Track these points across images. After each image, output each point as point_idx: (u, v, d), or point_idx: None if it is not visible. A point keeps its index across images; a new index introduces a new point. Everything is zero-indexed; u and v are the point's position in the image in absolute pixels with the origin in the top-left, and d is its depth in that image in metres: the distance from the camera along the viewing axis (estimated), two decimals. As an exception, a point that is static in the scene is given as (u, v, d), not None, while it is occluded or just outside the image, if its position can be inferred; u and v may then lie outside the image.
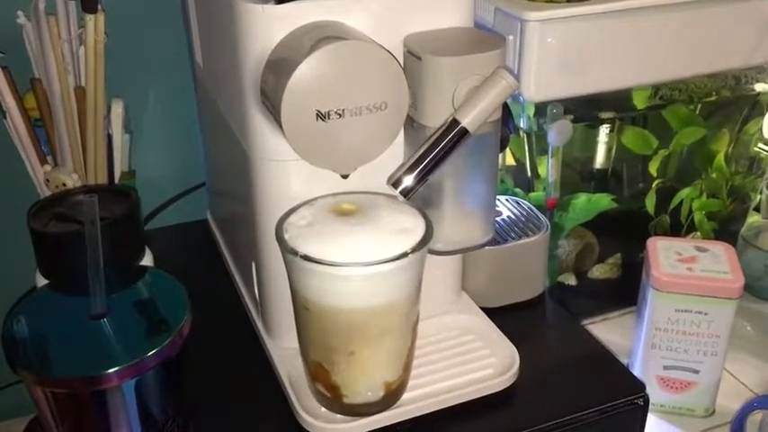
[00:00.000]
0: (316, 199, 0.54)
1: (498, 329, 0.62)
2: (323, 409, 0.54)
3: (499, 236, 0.68)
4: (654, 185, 0.82)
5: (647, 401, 0.58)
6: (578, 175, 0.81)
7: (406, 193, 0.50)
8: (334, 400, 0.53)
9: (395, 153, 0.54)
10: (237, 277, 0.71)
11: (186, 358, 0.50)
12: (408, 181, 0.50)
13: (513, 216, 0.72)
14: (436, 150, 0.50)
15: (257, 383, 0.59)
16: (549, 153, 0.73)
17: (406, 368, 0.54)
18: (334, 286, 0.49)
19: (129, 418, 0.48)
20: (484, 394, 0.56)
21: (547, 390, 0.59)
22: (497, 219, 0.71)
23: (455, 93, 0.51)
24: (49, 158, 0.72)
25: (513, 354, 0.59)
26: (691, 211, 0.85)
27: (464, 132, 0.49)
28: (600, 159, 0.82)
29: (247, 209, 0.58)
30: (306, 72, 0.46)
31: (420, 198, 0.54)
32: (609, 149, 0.81)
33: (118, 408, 0.47)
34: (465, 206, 0.56)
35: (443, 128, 0.50)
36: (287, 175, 0.54)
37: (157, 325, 0.49)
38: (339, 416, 0.54)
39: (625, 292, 0.81)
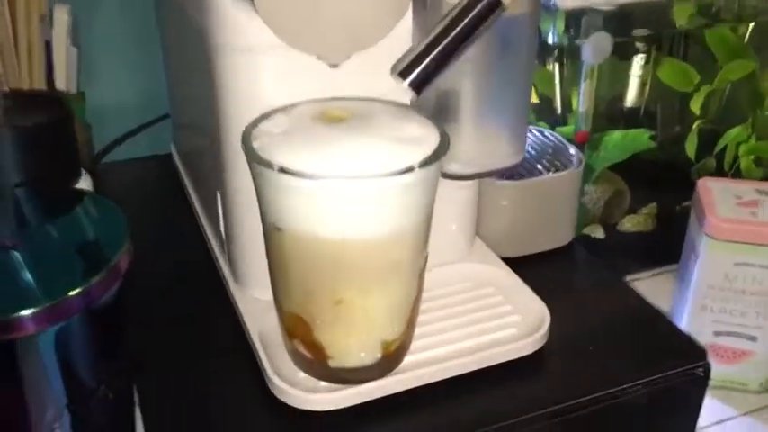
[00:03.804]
0: (295, 105, 0.45)
1: (523, 282, 0.54)
2: (302, 374, 0.47)
3: (523, 169, 0.59)
4: (695, 126, 0.77)
5: (707, 371, 0.50)
6: (606, 116, 0.75)
7: (417, 87, 0.39)
8: (317, 363, 0.46)
9: (401, 38, 0.44)
10: (203, 216, 0.63)
11: (128, 304, 0.43)
12: (419, 71, 0.39)
13: (538, 148, 0.63)
14: (457, 30, 0.38)
15: (220, 342, 0.53)
16: (582, 76, 0.65)
17: (410, 325, 0.46)
18: (316, 210, 0.40)
19: (49, 379, 0.40)
20: (505, 360, 0.49)
21: (583, 356, 0.52)
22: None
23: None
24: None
25: (543, 310, 0.51)
26: (736, 157, 0.79)
27: (496, 4, 0.37)
28: (631, 97, 0.77)
29: (211, 122, 0.50)
30: None
31: (433, 106, 0.45)
32: (642, 85, 0.76)
33: (32, 364, 0.39)
34: (490, 117, 0.46)
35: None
36: (259, 70, 0.45)
37: (88, 259, 0.41)
38: (323, 383, 0.46)
39: (659, 249, 0.76)
